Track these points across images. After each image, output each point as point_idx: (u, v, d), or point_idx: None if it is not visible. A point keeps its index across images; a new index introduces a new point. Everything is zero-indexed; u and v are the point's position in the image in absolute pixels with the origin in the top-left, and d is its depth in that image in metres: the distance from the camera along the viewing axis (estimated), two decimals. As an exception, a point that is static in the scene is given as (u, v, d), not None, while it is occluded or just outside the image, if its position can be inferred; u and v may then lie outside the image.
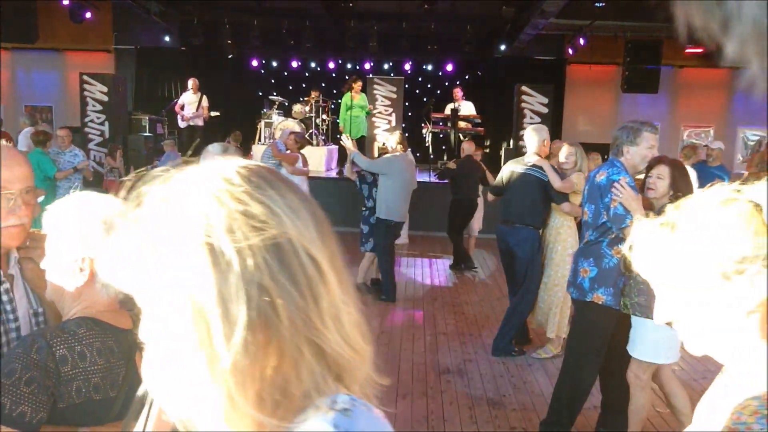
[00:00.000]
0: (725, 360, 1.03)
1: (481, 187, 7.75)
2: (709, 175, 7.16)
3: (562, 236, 4.82)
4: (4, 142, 7.61)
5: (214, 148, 2.95)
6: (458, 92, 11.43)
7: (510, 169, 5.09)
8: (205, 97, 11.61)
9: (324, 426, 0.61)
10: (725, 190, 0.98)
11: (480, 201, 7.90)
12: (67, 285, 1.36)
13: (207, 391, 0.60)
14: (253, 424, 0.62)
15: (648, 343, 3.12)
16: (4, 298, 1.46)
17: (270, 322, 0.59)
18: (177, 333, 0.60)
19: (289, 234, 0.61)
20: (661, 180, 3.15)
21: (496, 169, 12.27)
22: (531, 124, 11.18)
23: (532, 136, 5.00)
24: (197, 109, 11.50)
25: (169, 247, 0.59)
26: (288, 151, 7.67)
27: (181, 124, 11.76)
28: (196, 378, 0.60)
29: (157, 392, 0.64)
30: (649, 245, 1.01)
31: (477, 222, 8.08)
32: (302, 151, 7.88)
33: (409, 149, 7.85)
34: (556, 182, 4.69)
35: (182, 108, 11.58)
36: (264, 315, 0.59)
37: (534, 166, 4.87)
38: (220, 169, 0.64)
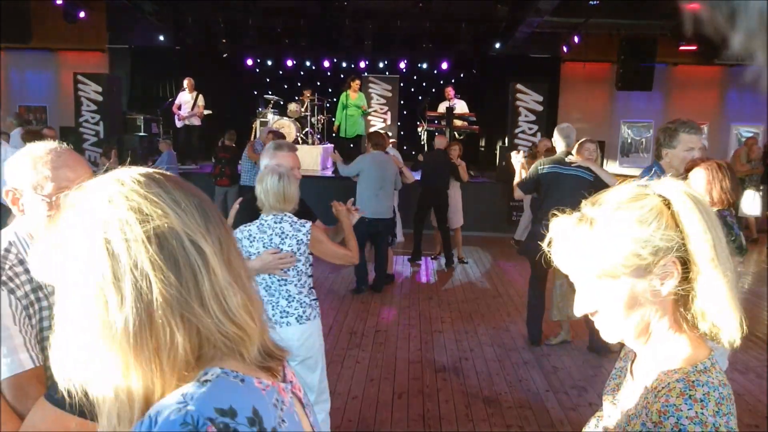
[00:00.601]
0: (638, 347, 1.08)
1: (457, 182, 8.00)
2: None
3: None
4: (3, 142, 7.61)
5: (268, 148, 3.13)
6: (450, 91, 11.44)
7: (554, 170, 5.01)
8: (201, 96, 11.59)
9: (176, 397, 0.68)
10: (635, 186, 1.05)
11: (457, 195, 8.08)
12: None
13: (104, 356, 0.70)
14: (143, 388, 0.71)
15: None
16: (15, 301, 1.52)
17: (149, 300, 0.70)
18: (82, 309, 0.71)
19: (173, 224, 0.72)
20: (696, 183, 2.98)
21: (491, 166, 12.37)
22: (526, 121, 11.23)
23: (568, 136, 5.10)
24: (192, 108, 11.49)
25: (75, 242, 0.72)
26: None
27: (178, 124, 11.74)
28: (95, 346, 0.70)
29: (61, 363, 0.75)
30: (567, 240, 1.05)
31: (457, 216, 8.17)
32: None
33: (389, 147, 8.05)
34: (611, 181, 4.71)
35: (179, 108, 11.56)
36: (144, 294, 0.70)
37: (579, 166, 4.90)
38: (116, 175, 0.76)
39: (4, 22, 10.69)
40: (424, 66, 14.21)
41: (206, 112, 11.72)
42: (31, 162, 1.54)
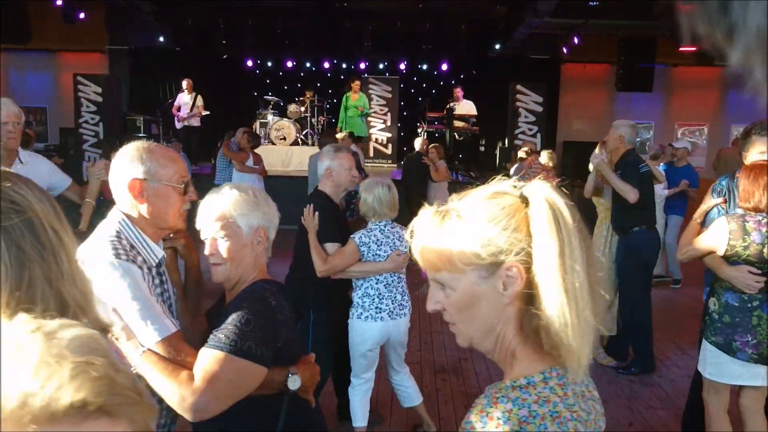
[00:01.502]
0: (488, 352, 1.04)
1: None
2: (675, 175, 7.14)
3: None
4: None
5: (327, 150, 3.31)
6: (459, 92, 11.47)
7: (648, 169, 4.66)
8: (200, 96, 11.57)
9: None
10: (503, 184, 1.01)
11: (440, 195, 8.08)
12: (247, 254, 1.69)
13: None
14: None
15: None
16: (164, 278, 1.73)
17: (28, 272, 0.87)
18: None
19: (39, 215, 0.90)
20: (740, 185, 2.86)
21: (491, 167, 12.36)
22: (526, 122, 11.24)
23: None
24: (192, 109, 11.47)
25: None
26: (240, 150, 7.91)
27: (178, 125, 11.73)
28: None
29: None
30: (420, 232, 1.01)
31: None
32: (297, 149, 7.95)
33: (353, 146, 8.21)
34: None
35: (178, 109, 11.54)
36: (24, 266, 0.87)
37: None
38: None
39: (4, 22, 10.69)
40: (424, 67, 14.22)
41: (205, 112, 11.71)
42: (150, 154, 1.66)
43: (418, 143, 8.40)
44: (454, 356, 5.00)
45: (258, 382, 1.54)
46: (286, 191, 10.52)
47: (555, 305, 0.91)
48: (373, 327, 3.24)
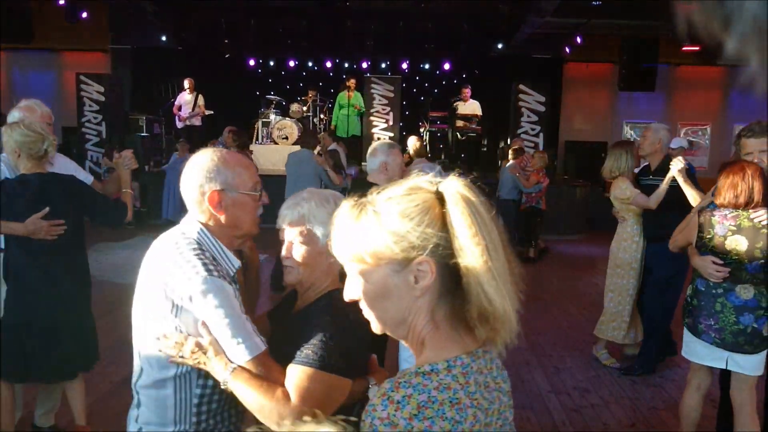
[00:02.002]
0: (402, 339, 1.06)
1: None
2: None
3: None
4: None
5: (381, 146, 3.45)
6: (467, 91, 11.47)
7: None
8: (201, 95, 11.55)
9: None
10: (421, 179, 1.02)
11: None
12: (322, 262, 1.69)
13: None
14: None
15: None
16: (237, 292, 1.67)
17: None
18: None
19: None
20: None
21: (493, 167, 12.35)
22: (528, 122, 11.24)
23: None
24: (193, 109, 11.45)
25: None
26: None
27: (179, 125, 11.72)
28: None
29: None
30: (339, 224, 1.04)
31: None
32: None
33: (334, 145, 8.41)
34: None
35: (179, 109, 11.52)
36: None
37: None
38: None
39: (7, 22, 10.70)
40: (426, 66, 14.20)
41: (209, 112, 11.69)
42: (225, 164, 1.65)
43: (411, 143, 8.31)
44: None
45: (345, 395, 1.58)
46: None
47: (489, 292, 0.95)
48: None
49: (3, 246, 3.11)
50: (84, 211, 3.06)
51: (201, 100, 11.55)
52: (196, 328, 1.54)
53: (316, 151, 7.09)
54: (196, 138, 11.88)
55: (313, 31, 12.64)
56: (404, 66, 14.07)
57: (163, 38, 12.77)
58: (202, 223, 1.66)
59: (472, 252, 0.95)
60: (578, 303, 6.77)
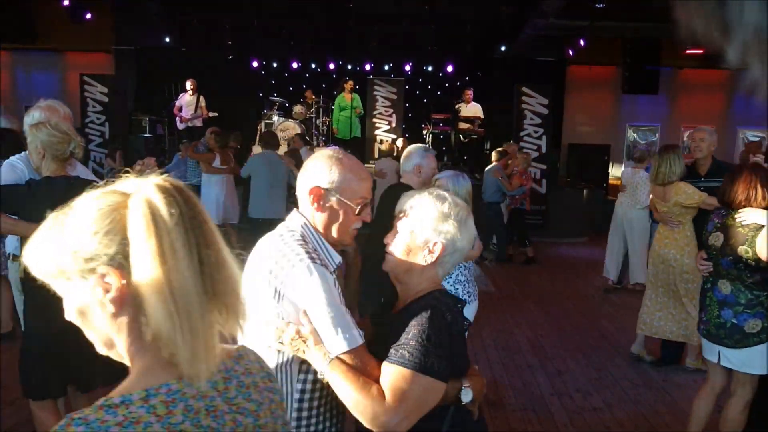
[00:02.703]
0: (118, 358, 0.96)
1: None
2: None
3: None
4: None
5: (417, 149, 3.57)
6: (469, 93, 11.48)
7: None
8: (202, 97, 11.53)
9: None
10: (127, 182, 0.93)
11: None
12: (417, 260, 1.68)
13: None
14: None
15: None
16: (337, 282, 1.67)
17: None
18: None
19: None
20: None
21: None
22: (531, 125, 11.22)
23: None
24: (195, 110, 11.43)
25: None
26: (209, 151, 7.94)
27: (180, 126, 11.71)
28: None
29: None
30: (37, 236, 0.93)
31: None
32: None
33: (305, 149, 8.51)
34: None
35: (180, 110, 11.50)
36: None
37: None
38: None
39: (11, 22, 10.74)
40: (429, 68, 14.20)
41: (213, 114, 11.67)
42: (341, 166, 1.67)
43: (399, 143, 8.37)
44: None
45: (439, 398, 1.56)
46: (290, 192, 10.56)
47: (161, 309, 0.84)
48: (471, 308, 3.43)
49: (19, 252, 3.05)
50: None
51: (203, 102, 11.53)
52: (296, 315, 1.56)
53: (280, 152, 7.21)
54: (198, 139, 11.90)
55: (317, 32, 12.66)
56: (407, 68, 14.07)
57: (167, 39, 12.79)
58: (305, 217, 1.69)
59: (142, 261, 0.85)
60: (581, 306, 6.76)
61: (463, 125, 11.30)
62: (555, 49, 12.94)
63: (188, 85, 11.46)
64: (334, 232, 1.69)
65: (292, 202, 6.60)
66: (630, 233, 6.92)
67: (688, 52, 12.12)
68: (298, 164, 7.11)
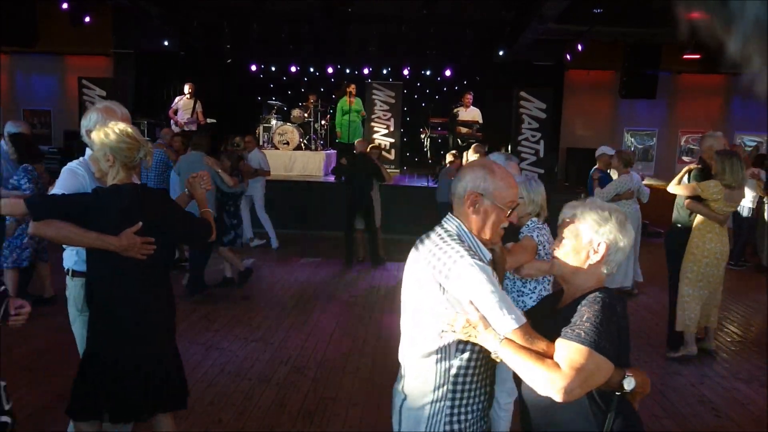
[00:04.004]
0: None
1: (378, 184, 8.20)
2: (605, 182, 7.11)
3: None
4: None
5: (498, 158, 3.42)
6: (469, 97, 11.50)
7: None
8: (199, 102, 11.52)
9: None
10: None
11: (377, 198, 8.26)
12: (580, 265, 1.88)
13: None
14: None
15: None
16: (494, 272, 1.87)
17: None
18: None
19: None
20: None
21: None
22: (529, 129, 11.24)
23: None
24: (192, 115, 11.41)
25: None
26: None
27: (175, 129, 11.68)
28: None
29: None
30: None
31: (376, 217, 8.30)
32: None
33: (255, 151, 8.82)
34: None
35: (175, 113, 11.47)
36: None
37: None
38: None
39: (11, 25, 10.73)
40: (428, 72, 14.23)
41: (210, 120, 11.66)
42: (494, 175, 1.90)
43: (361, 145, 8.34)
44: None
45: (606, 378, 1.71)
46: (289, 196, 10.58)
47: None
48: None
49: (81, 267, 2.82)
50: (173, 229, 2.79)
51: (200, 107, 11.51)
52: (461, 305, 1.75)
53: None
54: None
55: (315, 36, 12.67)
56: (405, 72, 14.10)
57: (166, 43, 12.79)
58: (460, 220, 1.93)
59: None
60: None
61: (461, 129, 11.31)
62: (553, 54, 12.97)
63: (186, 88, 11.45)
64: (486, 232, 1.92)
65: (218, 199, 6.69)
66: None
67: (686, 57, 12.16)
68: (234, 165, 7.20)
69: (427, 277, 1.82)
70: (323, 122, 12.66)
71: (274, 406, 4.08)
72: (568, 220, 1.92)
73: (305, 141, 12.04)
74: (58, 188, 2.78)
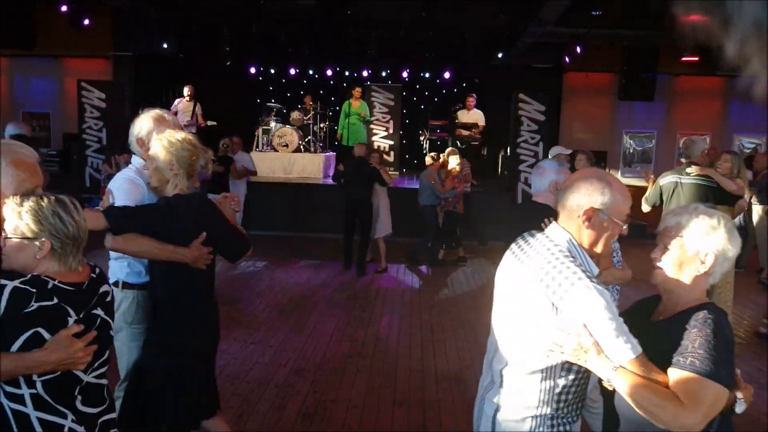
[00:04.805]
0: None
1: (383, 189, 8.08)
2: None
3: None
4: None
5: (551, 164, 3.38)
6: (472, 100, 11.53)
7: (673, 180, 5.42)
8: (199, 105, 11.54)
9: None
10: None
11: (385, 203, 8.12)
12: (684, 277, 1.81)
13: None
14: None
15: None
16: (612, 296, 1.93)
17: None
18: None
19: None
20: None
21: (493, 175, 12.35)
22: (528, 131, 11.24)
23: (688, 147, 5.54)
24: (192, 117, 11.42)
25: None
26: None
27: None
28: None
29: None
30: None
31: (383, 224, 8.14)
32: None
33: (240, 153, 8.80)
34: (731, 187, 5.19)
35: (175, 115, 11.51)
36: None
37: (699, 175, 5.28)
38: None
39: (9, 28, 10.74)
40: (427, 75, 14.24)
41: (210, 123, 11.66)
42: (612, 188, 1.81)
43: (360, 149, 8.20)
44: (456, 364, 4.98)
45: (723, 405, 1.67)
46: (288, 198, 10.58)
47: None
48: None
49: (134, 280, 2.77)
50: (223, 240, 2.74)
51: (199, 110, 11.53)
52: (574, 327, 1.69)
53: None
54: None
55: (315, 39, 12.69)
56: (405, 74, 14.11)
57: (165, 45, 12.80)
58: (569, 232, 1.84)
59: None
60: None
61: (461, 132, 11.32)
62: (552, 56, 12.99)
63: (185, 91, 11.47)
64: (600, 247, 1.84)
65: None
66: None
67: (684, 59, 12.19)
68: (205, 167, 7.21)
69: (537, 295, 1.75)
70: (322, 124, 12.67)
71: (274, 409, 4.08)
72: (672, 229, 1.83)
73: (304, 143, 12.05)
74: (122, 200, 2.65)
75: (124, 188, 2.71)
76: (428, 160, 8.97)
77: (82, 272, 1.91)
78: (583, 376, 1.82)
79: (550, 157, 7.80)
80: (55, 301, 1.75)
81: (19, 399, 1.77)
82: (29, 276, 1.77)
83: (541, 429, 1.83)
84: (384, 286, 7.45)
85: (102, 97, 11.56)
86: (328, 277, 7.82)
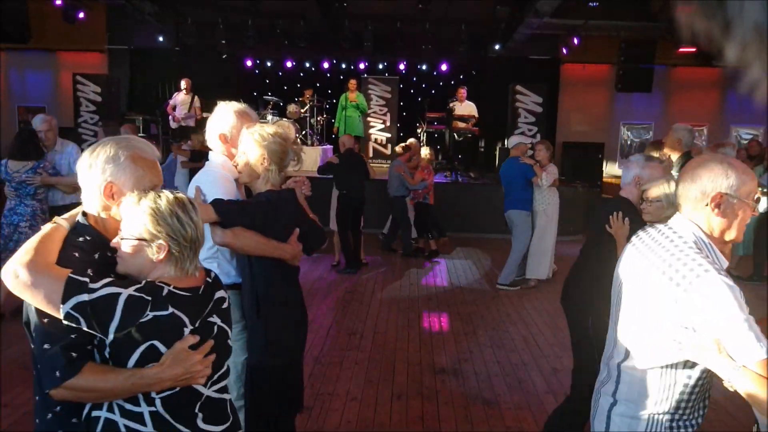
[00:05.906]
0: None
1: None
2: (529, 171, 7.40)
3: None
4: None
5: (638, 158, 3.26)
6: (463, 92, 11.49)
7: None
8: (197, 97, 11.52)
9: None
10: None
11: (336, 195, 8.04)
12: None
13: None
14: None
15: None
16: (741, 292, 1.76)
17: None
18: None
19: None
20: None
21: (490, 168, 12.34)
22: (525, 123, 11.24)
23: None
24: (189, 110, 11.41)
25: None
26: None
27: (173, 125, 11.68)
28: None
29: None
30: None
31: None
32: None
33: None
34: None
35: (174, 109, 11.48)
36: None
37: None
38: None
39: (4, 22, 10.68)
40: (424, 67, 14.21)
41: (206, 115, 11.61)
42: (735, 169, 1.73)
43: (349, 141, 8.06)
44: (453, 357, 4.99)
45: None
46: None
47: None
48: None
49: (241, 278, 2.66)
50: (307, 234, 2.65)
51: (197, 102, 11.51)
52: (699, 323, 1.61)
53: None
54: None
55: (311, 31, 12.64)
56: (402, 67, 14.08)
57: (161, 39, 12.74)
58: (696, 223, 1.76)
59: None
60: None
61: (458, 124, 11.30)
62: (549, 48, 12.97)
63: (182, 84, 11.45)
64: (732, 232, 1.75)
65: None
66: None
67: (681, 50, 12.17)
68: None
69: (659, 289, 1.69)
70: (319, 117, 12.64)
71: (272, 402, 4.08)
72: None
73: (301, 136, 12.02)
74: (218, 195, 2.50)
75: (219, 184, 2.58)
76: (398, 149, 8.97)
77: (198, 277, 1.75)
78: (706, 376, 1.75)
79: (510, 146, 7.87)
80: (170, 310, 1.60)
81: (138, 418, 1.62)
82: (144, 283, 1.61)
83: (657, 428, 1.77)
84: (381, 280, 7.45)
85: (97, 90, 11.53)
86: (325, 270, 7.82)
